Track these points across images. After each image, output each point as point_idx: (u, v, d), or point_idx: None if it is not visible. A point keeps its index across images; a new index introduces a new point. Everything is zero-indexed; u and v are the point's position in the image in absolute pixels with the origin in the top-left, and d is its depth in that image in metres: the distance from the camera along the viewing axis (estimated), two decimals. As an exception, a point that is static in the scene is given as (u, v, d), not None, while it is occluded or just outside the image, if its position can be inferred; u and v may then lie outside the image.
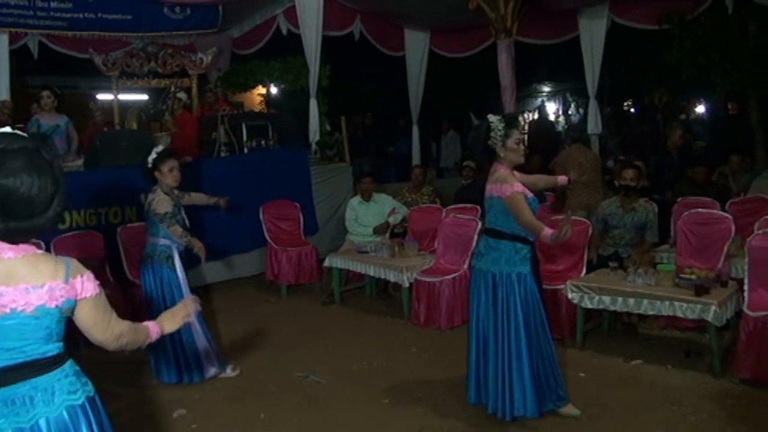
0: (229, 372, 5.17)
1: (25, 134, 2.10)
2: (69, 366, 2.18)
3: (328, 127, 9.81)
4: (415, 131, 11.77)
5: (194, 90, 9.80)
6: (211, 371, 5.07)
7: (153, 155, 4.92)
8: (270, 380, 5.04)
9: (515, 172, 4.16)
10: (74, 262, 2.16)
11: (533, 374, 4.01)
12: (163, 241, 4.92)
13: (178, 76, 9.79)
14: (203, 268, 6.81)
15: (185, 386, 4.93)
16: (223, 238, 7.36)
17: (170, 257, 4.92)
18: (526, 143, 4.19)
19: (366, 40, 10.87)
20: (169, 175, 4.92)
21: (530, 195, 4.03)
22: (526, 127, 16.88)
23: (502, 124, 4.01)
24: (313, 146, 9.39)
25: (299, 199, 8.17)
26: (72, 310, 2.15)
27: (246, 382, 5.04)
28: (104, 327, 2.23)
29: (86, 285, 2.14)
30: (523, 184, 4.05)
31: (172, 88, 9.35)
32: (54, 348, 2.14)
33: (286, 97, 12.04)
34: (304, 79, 9.69)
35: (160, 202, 4.89)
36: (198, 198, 5.47)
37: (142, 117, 9.00)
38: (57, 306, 2.09)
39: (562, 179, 4.61)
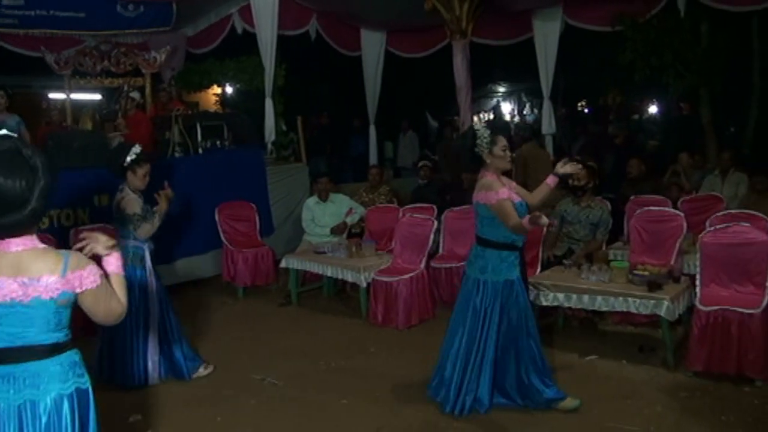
0: (202, 371, 5.12)
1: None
2: (67, 356, 2.33)
3: (284, 127, 9.75)
4: (372, 131, 11.77)
5: (148, 89, 9.64)
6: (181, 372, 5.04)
7: (132, 155, 4.85)
8: (226, 383, 4.97)
9: (513, 183, 4.26)
10: (75, 257, 2.29)
11: (493, 380, 4.14)
12: (133, 243, 4.84)
13: (132, 75, 9.62)
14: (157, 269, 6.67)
15: (141, 390, 4.83)
16: (177, 239, 7.25)
17: (142, 258, 4.85)
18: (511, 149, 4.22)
19: (322, 39, 10.84)
20: (142, 179, 4.91)
21: (517, 200, 4.08)
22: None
23: (488, 131, 4.07)
24: (269, 146, 9.33)
25: (255, 200, 8.09)
26: (72, 301, 2.30)
27: (202, 385, 4.96)
28: (106, 312, 2.38)
29: (86, 279, 2.27)
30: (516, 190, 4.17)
31: (126, 88, 9.16)
32: (52, 337, 2.29)
33: (242, 96, 11.92)
34: (260, 79, 9.61)
35: (130, 202, 4.83)
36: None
37: (97, 117, 8.82)
38: (52, 298, 2.24)
39: (551, 180, 4.19)
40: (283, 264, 7.14)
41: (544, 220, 3.82)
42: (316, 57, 11.88)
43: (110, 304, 2.38)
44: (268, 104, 9.35)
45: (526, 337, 4.13)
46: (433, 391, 4.38)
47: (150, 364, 4.93)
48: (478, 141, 4.06)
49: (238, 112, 10.02)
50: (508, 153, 4.10)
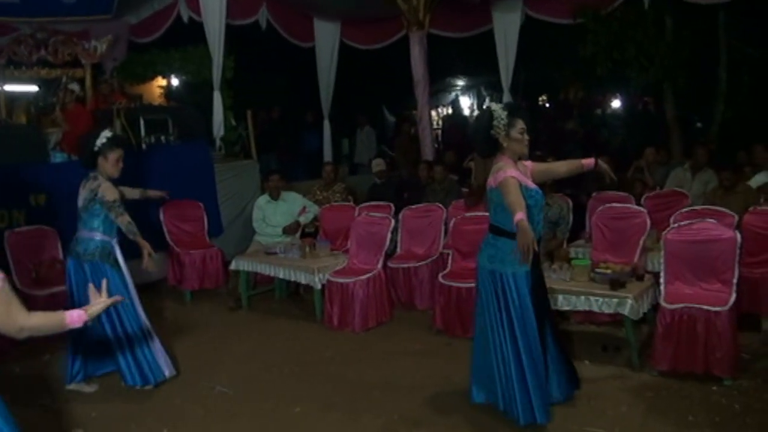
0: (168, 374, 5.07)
1: None
2: None
3: (233, 122, 9.67)
4: (327, 126, 11.73)
5: (88, 81, 9.47)
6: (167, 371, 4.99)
7: (102, 139, 4.71)
8: (174, 393, 4.89)
9: (530, 163, 4.18)
10: None
11: (525, 374, 3.98)
12: (100, 236, 4.72)
13: (71, 66, 9.44)
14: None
15: (83, 402, 4.72)
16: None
17: (112, 254, 4.72)
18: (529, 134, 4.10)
19: (273, 29, 10.77)
20: (116, 165, 4.78)
21: (532, 186, 4.01)
22: (440, 123, 17.13)
23: (506, 112, 3.99)
24: (218, 142, 9.25)
25: (202, 199, 8.00)
26: None
27: (148, 396, 4.87)
28: (4, 320, 2.38)
29: None
30: (536, 173, 4.12)
31: (64, 79, 8.99)
32: None
33: (188, 89, 11.75)
34: (207, 71, 9.54)
35: (108, 188, 4.72)
36: (129, 192, 5.27)
37: (32, 111, 8.61)
38: None
39: (587, 162, 4.29)
40: (232, 266, 7.07)
41: (528, 238, 3.64)
42: (267, 48, 11.77)
43: (8, 312, 2.39)
44: (217, 97, 9.27)
45: (524, 337, 3.98)
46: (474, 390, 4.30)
47: (161, 358, 4.91)
48: (495, 122, 3.97)
49: (185, 105, 9.92)
50: (526, 136, 4.01)
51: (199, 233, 7.84)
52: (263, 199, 7.74)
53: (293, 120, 13.89)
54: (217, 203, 8.39)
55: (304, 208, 7.70)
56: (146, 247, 4.74)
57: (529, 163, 4.19)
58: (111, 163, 4.75)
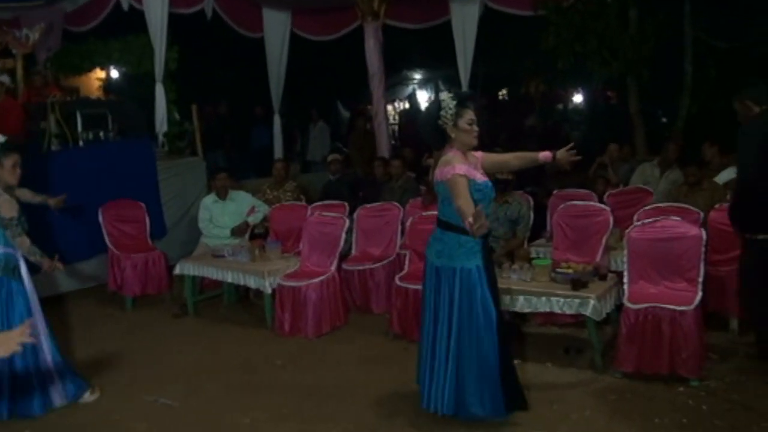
0: (88, 396, 4.89)
1: None
2: None
3: (177, 117, 9.56)
4: (277, 121, 11.67)
5: (19, 72, 9.36)
6: (58, 400, 4.74)
7: None
8: (113, 407, 4.80)
9: (480, 153, 4.19)
10: None
11: (462, 370, 4.04)
12: (3, 249, 4.57)
13: (0, 56, 9.25)
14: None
15: (14, 422, 4.58)
16: (54, 244, 6.91)
17: (16, 268, 4.55)
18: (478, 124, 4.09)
19: (219, 19, 10.68)
20: (12, 171, 4.69)
21: (481, 180, 4.01)
22: (396, 118, 17.16)
23: (454, 102, 4.00)
24: (160, 138, 9.16)
25: (144, 199, 7.90)
26: None
27: (85, 410, 4.77)
28: None
29: None
30: (487, 164, 4.13)
31: (-7, 70, 8.82)
32: None
33: (129, 81, 11.59)
34: (149, 62, 9.45)
35: (5, 204, 4.58)
36: (22, 194, 5.13)
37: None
38: None
39: (544, 155, 4.24)
40: (177, 270, 6.99)
41: (482, 227, 3.63)
42: (212, 38, 11.67)
43: None
44: (159, 90, 9.19)
45: (476, 339, 4.01)
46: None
47: (52, 387, 4.68)
48: (442, 112, 3.98)
49: (125, 99, 9.79)
50: (475, 127, 4.02)
51: (140, 235, 7.72)
52: (210, 199, 7.67)
53: (241, 115, 13.80)
54: (160, 203, 8.30)
55: (254, 207, 7.66)
56: (51, 265, 4.65)
57: (479, 154, 4.21)
58: (7, 171, 4.68)
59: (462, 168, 3.92)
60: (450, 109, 3.98)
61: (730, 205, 5.09)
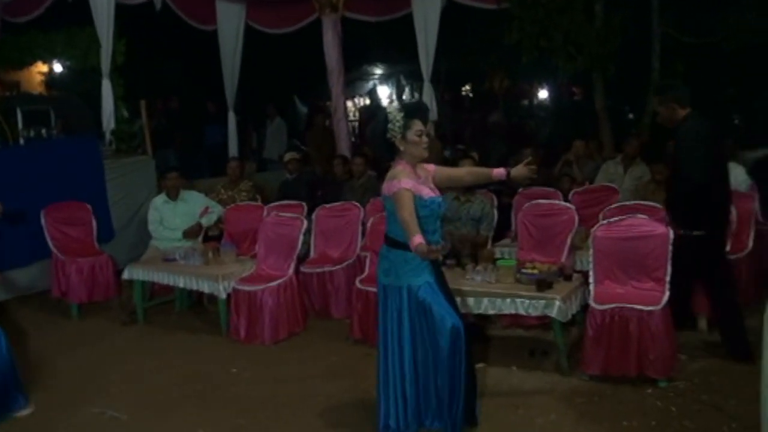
0: (24, 410, 4.80)
1: None
2: None
3: (126, 113, 9.45)
4: (232, 118, 11.60)
5: (-47, 67, 9.11)
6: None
7: None
8: (59, 420, 4.73)
9: (432, 166, 4.19)
10: None
11: (416, 391, 4.04)
12: None
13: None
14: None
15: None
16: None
17: None
18: (429, 135, 4.14)
19: (170, 10, 10.58)
20: None
21: (428, 196, 3.97)
22: (357, 114, 17.19)
23: (401, 114, 3.99)
24: (107, 136, 9.04)
25: (90, 200, 7.82)
26: None
27: (28, 424, 4.69)
28: None
29: None
30: (438, 179, 4.13)
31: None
32: None
33: (73, 76, 11.44)
34: (95, 56, 9.34)
35: None
36: None
37: None
38: None
39: (498, 173, 4.30)
40: (125, 275, 6.92)
41: (432, 253, 3.74)
42: (163, 31, 11.55)
43: None
44: (106, 86, 9.09)
45: (434, 357, 3.97)
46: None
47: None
48: (389, 125, 3.98)
49: (69, 94, 9.66)
50: (424, 139, 4.01)
51: (86, 239, 7.65)
52: (160, 200, 7.61)
53: (193, 111, 13.69)
54: (107, 205, 8.22)
55: (207, 208, 7.62)
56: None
57: (431, 167, 4.21)
58: None
59: (408, 183, 3.91)
60: (397, 121, 3.98)
61: (669, 202, 5.32)
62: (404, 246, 3.92)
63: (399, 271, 4.00)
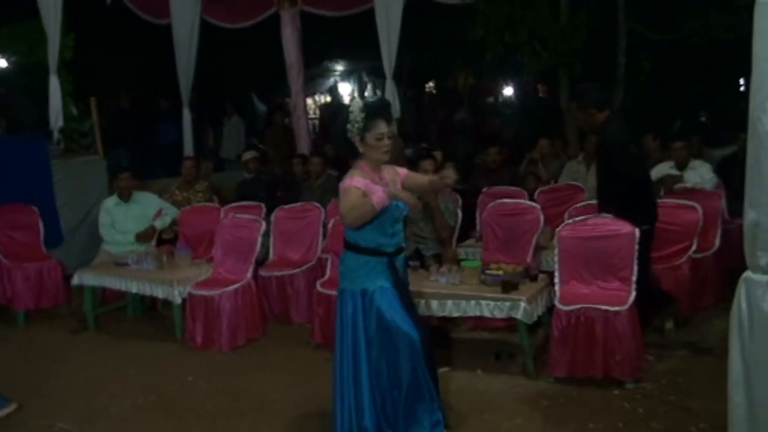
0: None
1: None
2: None
3: (75, 111, 9.34)
4: (186, 115, 11.49)
5: None
6: None
7: None
8: (3, 434, 4.67)
9: (404, 171, 4.11)
10: None
11: (373, 397, 3.98)
12: None
13: None
14: None
15: None
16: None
17: None
18: (392, 135, 3.95)
19: (121, 3, 10.49)
20: None
21: (381, 200, 3.72)
22: (317, 112, 17.19)
23: (363, 114, 3.83)
24: (55, 135, 8.94)
25: (37, 202, 7.74)
26: None
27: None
28: None
29: None
30: (407, 184, 4.02)
31: None
32: None
33: (18, 72, 11.23)
34: (42, 50, 9.21)
35: None
36: None
37: None
38: None
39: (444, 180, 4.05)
40: (75, 280, 6.86)
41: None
42: (113, 25, 11.41)
43: None
44: (53, 82, 9.02)
45: (394, 362, 3.93)
46: None
47: None
48: (349, 125, 3.86)
49: (14, 91, 9.49)
50: (385, 142, 3.85)
51: (33, 243, 7.56)
52: (111, 201, 7.56)
53: (146, 108, 13.56)
54: (55, 207, 8.16)
55: (161, 210, 7.59)
56: None
57: (403, 171, 4.13)
58: None
59: (360, 181, 3.83)
60: (357, 122, 3.84)
61: (604, 204, 5.47)
62: (357, 248, 3.93)
63: (353, 275, 3.96)
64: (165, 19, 11.05)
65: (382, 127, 3.85)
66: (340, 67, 19.41)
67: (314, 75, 17.70)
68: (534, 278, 5.40)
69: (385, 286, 3.93)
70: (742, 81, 12.99)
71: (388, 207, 3.86)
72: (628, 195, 5.25)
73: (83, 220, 8.48)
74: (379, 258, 3.94)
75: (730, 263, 6.61)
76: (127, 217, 7.43)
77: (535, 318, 5.13)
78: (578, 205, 6.64)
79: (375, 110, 3.90)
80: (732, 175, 7.26)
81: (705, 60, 11.69)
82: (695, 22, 9.94)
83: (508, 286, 5.09)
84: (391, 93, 10.43)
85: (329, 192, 7.96)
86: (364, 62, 17.10)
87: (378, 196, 3.72)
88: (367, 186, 3.83)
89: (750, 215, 3.01)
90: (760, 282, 3.00)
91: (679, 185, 7.05)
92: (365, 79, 18.68)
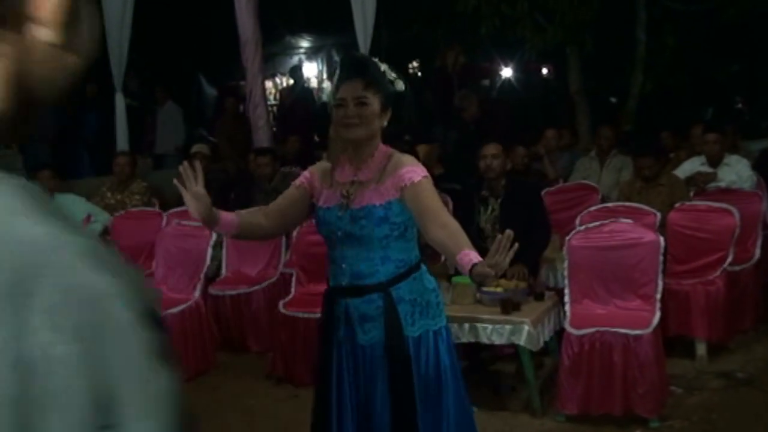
0: None
1: None
2: None
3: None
4: (120, 101, 11.38)
5: None
6: None
7: None
8: None
9: (413, 175, 3.24)
10: None
11: None
12: None
13: None
14: None
15: None
16: None
17: None
18: (365, 101, 3.24)
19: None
20: None
21: (325, 204, 3.40)
22: (278, 97, 17.14)
23: (336, 69, 3.47)
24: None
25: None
26: None
27: None
28: None
29: None
30: (409, 199, 3.24)
31: None
32: None
33: None
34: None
35: None
36: None
37: None
38: None
39: (463, 260, 3.09)
40: None
41: None
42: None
43: None
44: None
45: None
46: None
47: None
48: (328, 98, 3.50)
49: None
50: (349, 111, 3.22)
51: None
52: (29, 206, 7.44)
53: (69, 95, 13.40)
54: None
55: (89, 216, 7.52)
56: None
57: (408, 176, 3.25)
58: None
59: (305, 174, 3.50)
60: (330, 92, 3.45)
61: None
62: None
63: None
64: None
65: (348, 90, 3.26)
66: (305, 44, 19.35)
67: (274, 53, 17.65)
68: (539, 296, 5.39)
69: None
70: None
71: (329, 217, 3.37)
72: None
73: (-5, 227, 8.37)
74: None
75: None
76: (48, 225, 7.36)
77: (541, 344, 5.12)
78: (591, 208, 6.62)
79: (345, 65, 3.45)
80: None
81: (740, 35, 11.70)
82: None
83: (509, 305, 5.06)
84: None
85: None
86: (334, 38, 17.06)
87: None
88: (312, 182, 3.47)
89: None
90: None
91: (711, 184, 7.06)
92: (335, 57, 18.66)
